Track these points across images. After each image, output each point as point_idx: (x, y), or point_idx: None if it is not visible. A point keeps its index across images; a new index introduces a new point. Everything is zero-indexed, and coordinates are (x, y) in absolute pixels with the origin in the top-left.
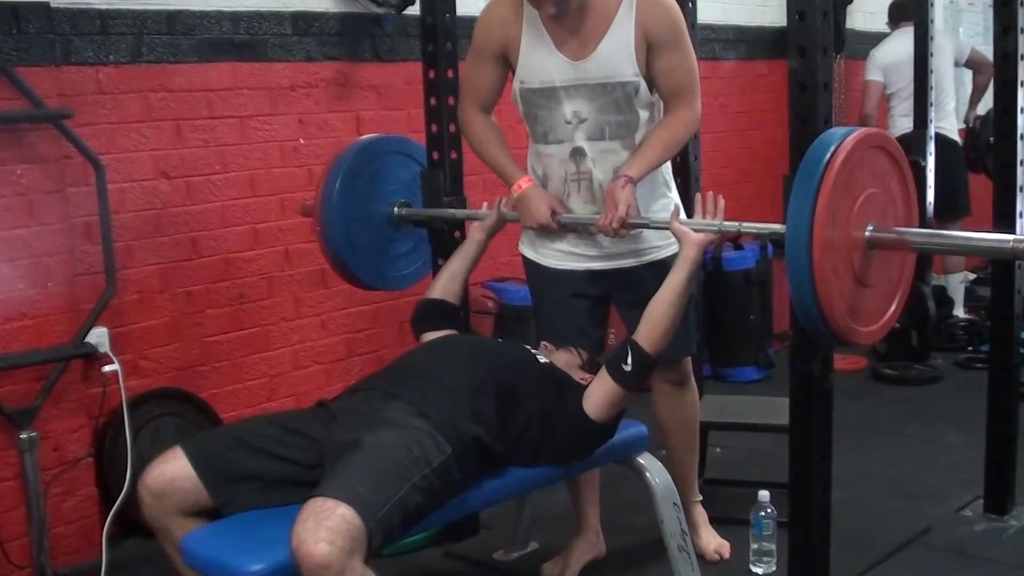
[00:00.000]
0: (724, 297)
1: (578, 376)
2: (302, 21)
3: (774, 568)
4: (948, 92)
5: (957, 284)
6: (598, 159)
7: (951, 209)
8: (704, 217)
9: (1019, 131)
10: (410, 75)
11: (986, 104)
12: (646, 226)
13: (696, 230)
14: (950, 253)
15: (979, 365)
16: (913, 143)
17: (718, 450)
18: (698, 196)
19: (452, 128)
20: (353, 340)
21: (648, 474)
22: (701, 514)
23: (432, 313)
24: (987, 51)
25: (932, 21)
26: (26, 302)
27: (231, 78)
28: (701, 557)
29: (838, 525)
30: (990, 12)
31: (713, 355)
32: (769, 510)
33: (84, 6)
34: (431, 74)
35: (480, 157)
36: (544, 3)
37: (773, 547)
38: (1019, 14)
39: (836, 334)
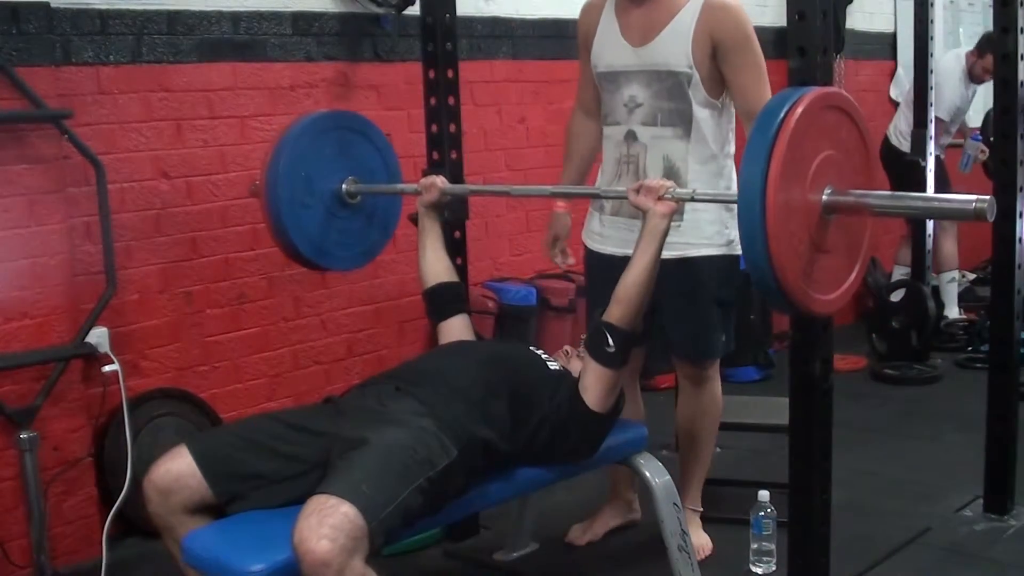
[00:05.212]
0: None
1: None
2: (302, 21)
3: (774, 568)
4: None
5: (946, 283)
6: (650, 144)
7: None
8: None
9: (1019, 131)
10: (410, 75)
11: (986, 104)
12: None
13: (641, 189)
14: (911, 215)
15: (979, 365)
16: (913, 143)
17: (718, 450)
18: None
19: (452, 128)
20: (353, 340)
21: (648, 474)
22: (692, 517)
23: (441, 300)
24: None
25: (932, 21)
26: (26, 302)
27: (231, 78)
28: None
29: (838, 525)
30: (990, 12)
31: None
32: (769, 510)
33: (84, 6)
34: (431, 74)
35: None
36: None
37: (773, 547)
38: (1019, 14)
39: (792, 302)
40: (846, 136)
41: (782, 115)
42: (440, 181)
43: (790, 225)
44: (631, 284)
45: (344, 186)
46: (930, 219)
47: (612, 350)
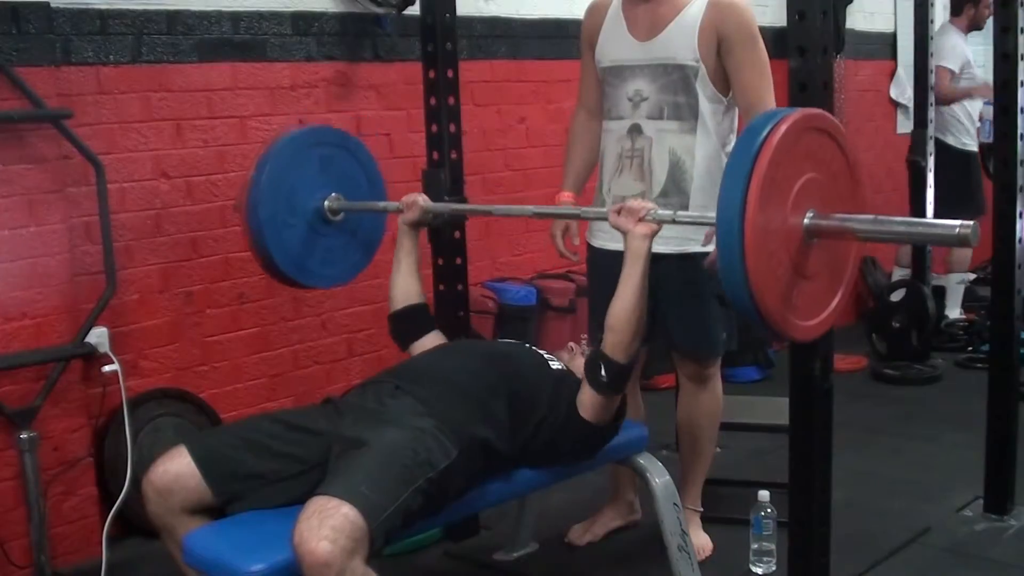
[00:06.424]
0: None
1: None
2: (302, 21)
3: (774, 568)
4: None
5: (954, 284)
6: (656, 138)
7: (952, 211)
8: (630, 218)
9: (1019, 131)
10: (410, 75)
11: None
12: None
13: (622, 211)
14: (897, 241)
15: (979, 365)
16: (913, 143)
17: (718, 450)
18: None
19: (452, 128)
20: (353, 340)
21: (648, 474)
22: (692, 517)
23: (407, 324)
24: (987, 51)
25: (932, 21)
26: (26, 302)
27: (231, 78)
28: None
29: (838, 525)
30: None
31: None
32: (769, 510)
33: (84, 6)
34: (431, 74)
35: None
36: None
37: (773, 547)
38: (1019, 14)
39: (772, 328)
40: (831, 159)
41: (764, 135)
42: (422, 199)
43: (769, 247)
44: (620, 310)
45: (327, 203)
46: (915, 244)
47: (605, 380)
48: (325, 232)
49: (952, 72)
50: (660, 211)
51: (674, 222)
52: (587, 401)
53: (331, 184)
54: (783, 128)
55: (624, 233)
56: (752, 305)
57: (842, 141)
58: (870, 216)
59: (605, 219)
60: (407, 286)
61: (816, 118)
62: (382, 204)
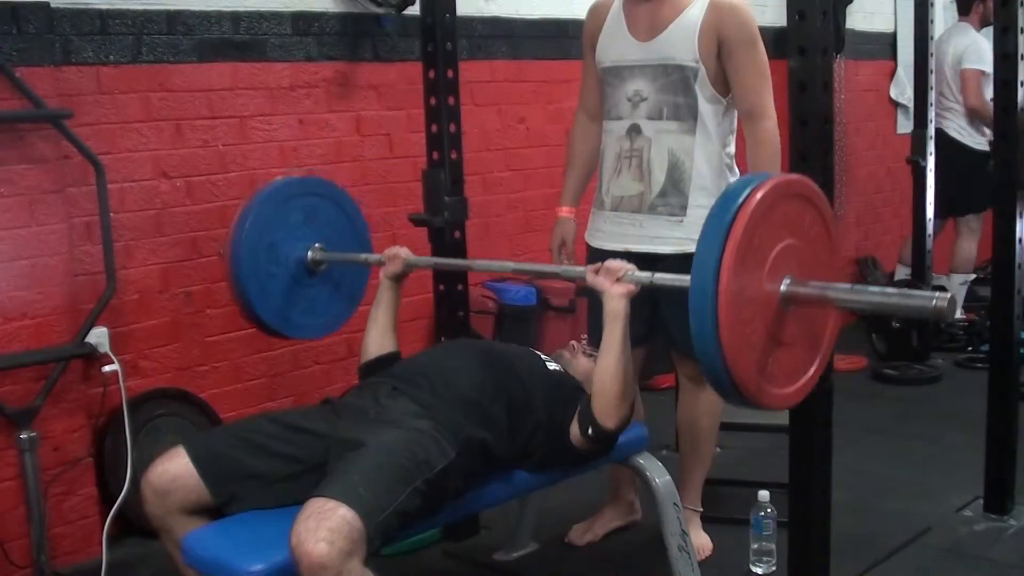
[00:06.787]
0: None
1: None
2: (302, 21)
3: (774, 568)
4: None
5: (957, 286)
6: (655, 138)
7: (960, 206)
8: (608, 278)
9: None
10: (410, 75)
11: None
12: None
13: (600, 270)
14: (874, 311)
15: (979, 365)
16: (913, 143)
17: (718, 450)
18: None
19: (452, 128)
20: (353, 340)
21: (648, 474)
22: (692, 517)
23: (380, 370)
24: (987, 51)
25: (932, 21)
26: (26, 302)
27: (231, 78)
28: None
29: (838, 525)
30: None
31: None
32: (769, 510)
33: (84, 6)
34: (431, 74)
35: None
36: None
37: (773, 547)
38: (1019, 14)
39: (744, 396)
40: (809, 225)
41: (740, 200)
42: (404, 252)
43: (744, 315)
44: (603, 372)
45: (310, 254)
46: (892, 315)
47: (592, 437)
48: (308, 283)
49: (985, 73)
50: (638, 272)
51: (651, 284)
52: (577, 438)
53: (315, 235)
54: (759, 195)
55: (601, 293)
56: (726, 375)
57: (821, 206)
58: (847, 285)
59: (583, 278)
60: (383, 340)
61: (795, 184)
62: (364, 256)
